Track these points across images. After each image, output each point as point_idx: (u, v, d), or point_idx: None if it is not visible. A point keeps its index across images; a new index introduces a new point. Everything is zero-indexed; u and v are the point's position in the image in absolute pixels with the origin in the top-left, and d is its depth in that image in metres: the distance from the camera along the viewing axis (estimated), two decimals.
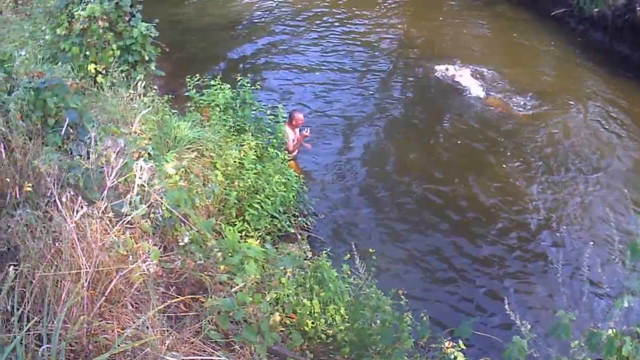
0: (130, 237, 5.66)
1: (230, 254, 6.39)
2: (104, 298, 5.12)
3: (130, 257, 5.46)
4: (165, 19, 15.62)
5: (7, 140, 7.41)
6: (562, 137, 16.29)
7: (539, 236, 12.82)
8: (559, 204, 13.77)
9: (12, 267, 4.88)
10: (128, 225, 5.90)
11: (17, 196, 6.36)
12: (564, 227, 13.06)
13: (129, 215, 5.70)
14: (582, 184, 14.54)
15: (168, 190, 6.59)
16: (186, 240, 6.28)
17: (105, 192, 5.74)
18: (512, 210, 13.46)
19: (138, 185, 5.95)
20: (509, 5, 25.21)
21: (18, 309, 4.74)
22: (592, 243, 10.25)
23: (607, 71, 20.46)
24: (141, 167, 5.97)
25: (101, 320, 5.16)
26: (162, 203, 6.29)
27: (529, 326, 5.49)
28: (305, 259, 9.80)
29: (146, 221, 6.07)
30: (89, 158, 6.86)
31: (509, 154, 15.38)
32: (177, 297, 5.95)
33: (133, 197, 5.88)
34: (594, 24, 23.27)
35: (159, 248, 6.20)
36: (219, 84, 12.46)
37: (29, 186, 6.40)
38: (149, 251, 5.50)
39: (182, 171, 8.87)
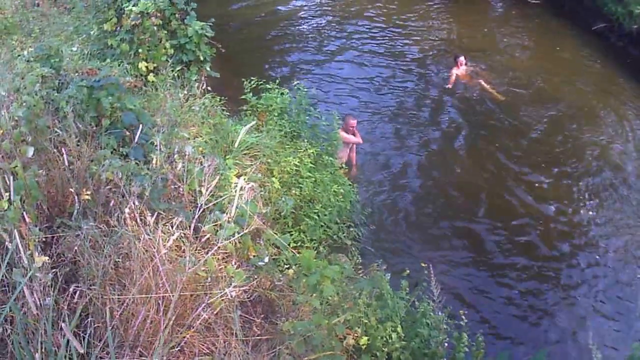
0: (213, 257, 5.09)
1: (306, 273, 5.83)
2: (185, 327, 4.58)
3: (209, 278, 4.89)
4: (218, 18, 15.24)
5: (61, 142, 6.90)
6: (603, 154, 15.94)
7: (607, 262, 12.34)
8: (608, 227, 13.34)
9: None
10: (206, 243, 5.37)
11: (76, 204, 5.77)
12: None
13: (218, 238, 5.11)
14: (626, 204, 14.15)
15: (246, 203, 6.01)
16: (266, 260, 5.71)
17: (198, 212, 5.16)
18: (575, 230, 13.01)
19: (236, 206, 5.37)
20: (552, 17, 24.93)
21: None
22: None
23: None
24: (242, 187, 5.40)
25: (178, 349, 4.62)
26: (255, 216, 5.74)
27: None
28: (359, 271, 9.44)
29: (230, 241, 5.45)
30: (149, 163, 6.35)
31: (555, 170, 15.08)
32: (252, 319, 5.41)
33: (226, 217, 5.29)
34: (633, 41, 22.82)
35: (237, 267, 5.65)
36: (277, 87, 12.04)
37: (87, 194, 5.84)
38: (233, 275, 4.92)
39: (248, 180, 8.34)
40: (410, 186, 13.99)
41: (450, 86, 17.73)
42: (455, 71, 18.27)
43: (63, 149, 6.38)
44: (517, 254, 12.16)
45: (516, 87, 18.54)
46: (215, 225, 5.35)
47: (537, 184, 14.24)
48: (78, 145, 6.92)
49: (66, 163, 6.21)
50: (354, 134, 13.70)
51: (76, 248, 5.20)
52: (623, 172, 15.16)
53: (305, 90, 12.34)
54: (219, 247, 5.22)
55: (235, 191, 5.54)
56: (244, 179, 6.08)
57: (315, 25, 22.16)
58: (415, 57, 20.34)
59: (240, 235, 5.45)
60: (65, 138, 6.90)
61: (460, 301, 10.82)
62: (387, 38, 21.49)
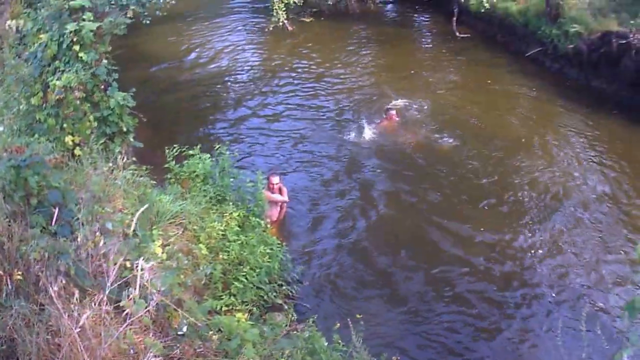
0: (130, 329, 5.67)
1: (227, 338, 6.43)
2: None
3: (132, 350, 5.47)
4: (137, 83, 15.73)
5: None
6: (547, 180, 16.61)
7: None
8: (549, 247, 14.09)
9: None
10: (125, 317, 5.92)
11: (9, 285, 6.33)
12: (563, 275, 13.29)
13: (131, 312, 5.71)
14: (568, 225, 14.90)
15: (162, 276, 6.61)
16: (185, 329, 6.30)
17: (107, 291, 5.75)
18: (513, 265, 13.62)
19: (140, 285, 5.97)
20: (483, 50, 25.94)
21: None
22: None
23: (585, 108, 20.95)
24: (141, 267, 6.00)
25: None
26: (158, 292, 6.31)
27: None
28: (293, 330, 9.88)
29: (145, 313, 6.07)
30: (76, 241, 6.89)
31: (493, 200, 15.81)
32: None
33: (133, 294, 5.90)
34: (570, 61, 23.73)
35: (156, 338, 6.22)
36: (198, 154, 12.61)
37: (19, 274, 6.39)
38: (151, 346, 5.51)
39: (170, 249, 8.91)
40: (341, 237, 14.46)
41: (376, 136, 18.58)
42: (385, 123, 19.08)
43: None
44: (452, 299, 12.57)
45: (449, 128, 19.03)
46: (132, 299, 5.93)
47: (470, 226, 14.70)
48: (9, 225, 7.38)
49: None
50: (280, 191, 14.25)
51: (10, 327, 5.73)
52: (567, 199, 15.83)
53: (228, 153, 12.87)
54: (133, 320, 5.80)
55: (139, 270, 6.09)
56: (155, 254, 6.60)
57: (239, 83, 22.96)
58: (342, 105, 21.01)
59: (153, 307, 6.06)
60: None
61: (396, 349, 11.19)
62: (312, 89, 22.18)
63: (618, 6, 24.07)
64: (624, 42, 21.49)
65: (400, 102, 20.42)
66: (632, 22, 22.27)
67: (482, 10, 26.02)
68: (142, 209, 7.55)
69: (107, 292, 5.83)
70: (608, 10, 24.07)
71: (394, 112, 19.16)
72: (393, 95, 21.25)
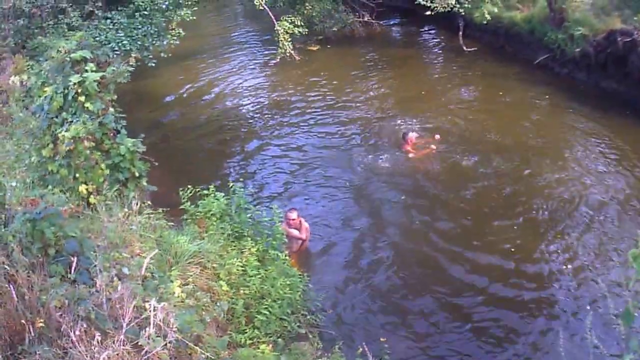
0: None
1: None
2: None
3: None
4: (147, 125, 16.05)
5: (11, 275, 7.72)
6: (564, 190, 16.88)
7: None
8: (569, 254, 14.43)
9: None
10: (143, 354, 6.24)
11: (32, 333, 6.70)
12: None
13: (149, 350, 6.03)
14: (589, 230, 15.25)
15: (179, 314, 6.94)
16: None
17: (123, 331, 6.08)
18: (528, 277, 13.88)
19: (155, 324, 6.29)
20: (492, 62, 26.43)
21: None
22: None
23: (598, 110, 21.29)
24: (154, 307, 6.32)
25: None
26: (175, 330, 6.63)
27: None
28: (319, 357, 10.14)
29: (163, 351, 6.41)
30: (95, 287, 7.22)
31: (518, 209, 16.22)
32: None
33: (150, 333, 6.22)
34: (578, 65, 24.12)
35: None
36: (212, 193, 12.92)
37: (41, 322, 6.75)
38: None
39: (189, 288, 9.22)
40: (363, 263, 14.75)
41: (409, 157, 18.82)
42: (407, 148, 19.28)
43: (11, 285, 7.25)
44: (471, 327, 12.73)
45: (467, 146, 19.24)
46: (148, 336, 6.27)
47: (496, 247, 14.93)
48: (28, 277, 7.71)
49: (16, 298, 7.08)
50: (298, 226, 14.57)
51: None
52: (591, 206, 16.04)
53: (242, 190, 13.21)
54: (150, 357, 6.15)
55: (152, 310, 6.41)
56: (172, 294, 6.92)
57: (249, 118, 23.63)
58: (355, 133, 21.31)
59: (172, 344, 6.41)
60: (14, 273, 7.75)
61: None
62: (323, 118, 22.60)
63: (621, 3, 24.20)
64: (629, 39, 21.72)
65: (415, 127, 20.69)
66: (635, 18, 22.40)
67: (485, 22, 26.39)
68: (152, 254, 7.85)
69: (124, 331, 6.16)
70: (611, 8, 24.24)
71: (411, 134, 19.38)
72: (406, 118, 21.61)
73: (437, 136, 19.38)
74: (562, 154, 18.76)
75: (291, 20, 27.67)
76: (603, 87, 23.05)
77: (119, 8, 18.91)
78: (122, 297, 6.69)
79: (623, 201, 16.13)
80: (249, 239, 12.31)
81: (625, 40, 21.90)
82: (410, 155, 19.03)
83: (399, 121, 21.57)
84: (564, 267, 13.93)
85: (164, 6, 18.46)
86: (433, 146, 19.13)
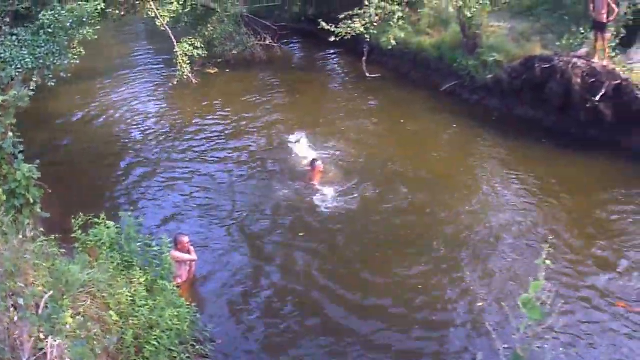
0: None
1: None
2: None
3: None
4: (41, 146, 16.25)
5: None
6: (471, 221, 17.52)
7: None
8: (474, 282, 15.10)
9: None
10: None
11: None
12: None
13: None
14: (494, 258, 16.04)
15: (71, 346, 7.54)
16: None
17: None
18: (431, 309, 14.53)
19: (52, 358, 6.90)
20: (398, 88, 27.06)
21: None
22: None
23: (511, 139, 21.93)
24: (50, 344, 6.91)
25: None
26: None
27: None
28: None
29: None
30: None
31: (422, 241, 16.80)
32: None
33: None
34: (490, 91, 24.62)
35: None
36: (103, 220, 13.44)
37: None
38: None
39: (80, 319, 9.73)
40: (251, 292, 15.40)
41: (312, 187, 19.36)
42: (314, 174, 19.78)
43: None
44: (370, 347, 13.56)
45: (369, 175, 19.87)
46: None
47: (396, 275, 15.62)
48: None
49: None
50: (188, 251, 15.25)
51: None
52: (499, 239, 16.77)
53: (132, 219, 13.82)
54: None
55: (48, 346, 7.03)
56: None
57: (144, 141, 24.08)
58: (252, 159, 21.90)
59: None
60: None
61: None
62: (220, 144, 23.15)
63: (543, 28, 25.16)
64: (548, 66, 22.22)
65: (317, 155, 21.07)
66: (557, 43, 23.23)
67: (390, 48, 26.77)
68: (49, 294, 8.37)
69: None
70: (532, 33, 25.12)
71: (319, 163, 19.89)
72: (306, 146, 22.12)
73: (320, 164, 19.88)
74: (470, 184, 19.61)
75: (191, 42, 28.24)
76: (518, 115, 23.79)
77: (25, 25, 19.15)
78: (20, 328, 7.20)
79: (531, 233, 17.02)
80: (138, 268, 12.96)
81: (544, 66, 22.47)
82: (314, 183, 19.67)
83: (298, 148, 22.19)
84: (465, 302, 14.65)
85: (68, 24, 18.74)
86: (335, 173, 20.07)
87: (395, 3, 26.40)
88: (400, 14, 26.53)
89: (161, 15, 26.77)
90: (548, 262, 6.79)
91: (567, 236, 16.75)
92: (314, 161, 20.03)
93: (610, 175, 19.91)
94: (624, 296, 14.58)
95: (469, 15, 25.36)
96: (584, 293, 14.71)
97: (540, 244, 16.04)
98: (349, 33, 25.61)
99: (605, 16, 21.28)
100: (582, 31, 23.37)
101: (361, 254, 16.64)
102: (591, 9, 21.71)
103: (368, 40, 27.19)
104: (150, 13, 26.89)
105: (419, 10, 29.26)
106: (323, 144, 22.40)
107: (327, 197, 19.02)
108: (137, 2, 27.34)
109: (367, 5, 25.96)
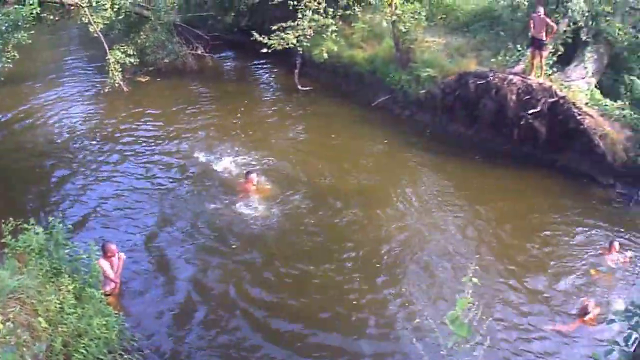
0: None
1: None
2: None
3: None
4: None
5: None
6: (401, 236, 17.72)
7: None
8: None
9: None
10: None
11: None
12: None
13: None
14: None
15: (1, 353, 7.48)
16: None
17: None
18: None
19: None
20: (328, 101, 26.93)
21: None
22: None
23: (443, 155, 22.15)
24: None
25: None
26: None
27: None
28: None
29: None
30: None
31: (352, 254, 16.99)
32: None
33: None
34: (422, 107, 24.67)
35: None
36: (32, 226, 13.22)
37: None
38: None
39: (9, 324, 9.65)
40: (181, 302, 15.39)
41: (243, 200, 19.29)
42: (247, 186, 19.75)
43: None
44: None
45: (297, 188, 19.98)
46: None
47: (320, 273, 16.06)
48: None
49: None
50: (119, 259, 15.21)
51: None
52: (428, 253, 17.05)
53: (61, 225, 13.63)
54: None
55: None
56: None
57: (73, 148, 23.71)
58: (181, 168, 21.87)
59: None
60: None
61: None
62: (148, 152, 23.08)
63: (479, 44, 25.30)
64: (482, 82, 22.39)
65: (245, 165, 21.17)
66: (493, 60, 23.45)
67: (322, 61, 26.93)
68: None
69: None
70: (467, 49, 25.20)
71: (253, 175, 19.86)
72: (236, 156, 22.11)
73: (254, 176, 19.83)
74: (400, 199, 19.70)
75: (123, 49, 28.06)
76: (450, 131, 23.97)
77: None
78: None
79: (460, 250, 17.28)
80: (67, 275, 12.83)
81: (478, 82, 22.60)
82: (248, 194, 19.63)
83: (227, 159, 22.10)
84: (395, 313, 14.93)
85: (3, 27, 18.53)
86: (268, 186, 20.05)
87: (329, 16, 26.82)
88: (333, 27, 27.01)
89: (95, 22, 26.61)
90: (475, 279, 6.94)
91: (497, 252, 17.14)
92: (248, 173, 19.99)
93: (542, 191, 20.47)
94: (554, 304, 15.21)
95: (403, 29, 25.60)
96: (513, 307, 15.17)
97: (470, 260, 16.22)
98: (282, 45, 25.85)
99: (543, 34, 21.59)
100: (519, 48, 23.88)
101: (294, 267, 16.64)
102: (531, 26, 21.98)
103: (301, 52, 27.62)
104: (84, 19, 26.64)
105: (352, 24, 29.51)
106: (254, 156, 22.36)
107: (259, 209, 18.97)
108: (72, 8, 27.15)
109: (300, 18, 26.31)
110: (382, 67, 26.72)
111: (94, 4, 26.85)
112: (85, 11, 26.58)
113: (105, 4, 27.06)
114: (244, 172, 20.31)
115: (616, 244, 17.32)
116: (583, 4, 23.81)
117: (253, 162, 21.76)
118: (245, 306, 15.24)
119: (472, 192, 20.25)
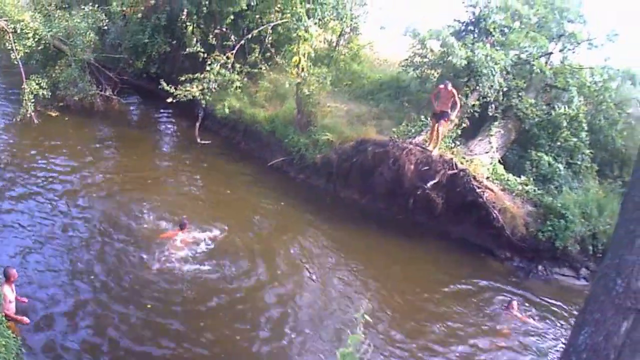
0: None
1: None
2: None
3: None
4: None
5: None
6: (293, 300, 18.09)
7: None
8: None
9: None
10: None
11: None
12: None
13: None
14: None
15: None
16: None
17: None
18: None
19: None
20: (225, 157, 27.33)
21: None
22: None
23: (333, 221, 22.49)
24: None
25: None
26: None
27: None
28: None
29: None
30: None
31: (248, 315, 17.17)
32: None
33: None
34: (317, 171, 25.11)
35: None
36: None
37: None
38: None
39: None
40: (81, 329, 15.77)
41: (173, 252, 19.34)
42: (180, 236, 19.84)
43: None
44: None
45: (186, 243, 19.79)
46: None
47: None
48: None
49: None
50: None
51: None
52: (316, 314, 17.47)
53: None
54: None
55: None
56: None
57: None
58: (79, 208, 21.78)
59: None
60: None
61: None
62: (50, 192, 22.74)
63: (381, 113, 25.96)
64: (380, 150, 22.97)
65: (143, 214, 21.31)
66: (394, 129, 23.96)
67: (224, 116, 27.71)
68: None
69: None
70: (369, 117, 25.83)
71: (186, 221, 20.16)
72: (132, 203, 22.26)
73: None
74: (289, 262, 19.95)
75: (38, 81, 28.44)
76: (343, 197, 24.47)
77: None
78: None
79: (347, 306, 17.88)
80: None
81: (376, 150, 23.14)
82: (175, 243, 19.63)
83: (128, 203, 22.32)
84: None
85: None
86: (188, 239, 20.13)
87: (236, 71, 27.76)
88: (238, 83, 27.88)
89: (16, 49, 27.22)
90: (366, 316, 7.58)
91: (388, 317, 17.79)
92: (183, 219, 20.27)
93: (433, 260, 21.25)
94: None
95: (307, 92, 26.15)
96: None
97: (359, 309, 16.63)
98: (186, 96, 26.55)
99: (449, 106, 22.10)
100: (423, 119, 24.66)
101: (197, 326, 16.68)
102: (433, 98, 22.86)
103: (204, 105, 28.52)
104: (7, 44, 27.30)
105: (258, 82, 30.22)
106: (151, 202, 22.52)
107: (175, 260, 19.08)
108: None
109: (207, 71, 27.02)
110: (282, 128, 27.20)
111: (18, 30, 27.50)
112: (9, 37, 27.24)
113: (29, 33, 27.69)
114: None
115: (514, 303, 18.41)
116: (500, 79, 24.83)
117: (140, 212, 21.78)
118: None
119: (362, 257, 20.76)
